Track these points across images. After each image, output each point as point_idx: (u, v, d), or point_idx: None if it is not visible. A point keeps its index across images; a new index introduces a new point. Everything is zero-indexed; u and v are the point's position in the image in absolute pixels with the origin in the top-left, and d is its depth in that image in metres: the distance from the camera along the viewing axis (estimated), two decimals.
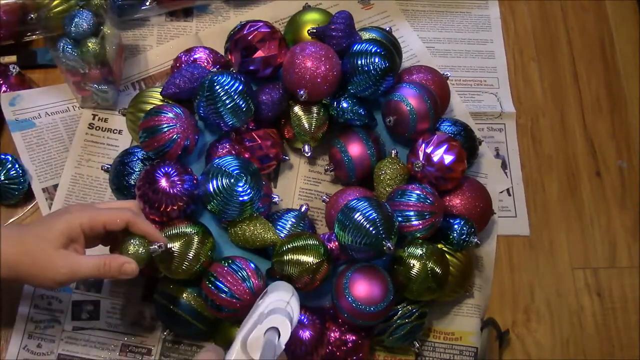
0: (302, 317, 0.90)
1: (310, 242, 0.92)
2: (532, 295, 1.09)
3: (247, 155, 1.01)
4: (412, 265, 0.93)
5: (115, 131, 1.11)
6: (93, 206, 0.86)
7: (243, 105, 0.97)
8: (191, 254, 0.90)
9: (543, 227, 1.13)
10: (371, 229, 0.88)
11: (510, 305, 1.09)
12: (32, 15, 1.08)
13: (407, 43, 1.21)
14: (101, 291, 1.02)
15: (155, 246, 0.86)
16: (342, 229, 0.91)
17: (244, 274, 0.90)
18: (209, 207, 0.93)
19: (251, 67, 1.02)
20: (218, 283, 0.89)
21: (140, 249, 0.85)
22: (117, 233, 0.87)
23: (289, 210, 1.02)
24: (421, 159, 1.00)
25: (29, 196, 1.07)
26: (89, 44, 1.02)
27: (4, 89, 1.10)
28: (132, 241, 0.86)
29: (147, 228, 0.86)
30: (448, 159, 0.98)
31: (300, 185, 1.11)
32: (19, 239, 0.80)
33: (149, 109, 0.98)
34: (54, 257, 0.80)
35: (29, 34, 1.15)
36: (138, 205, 0.91)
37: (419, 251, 0.93)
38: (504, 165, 1.16)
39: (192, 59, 1.06)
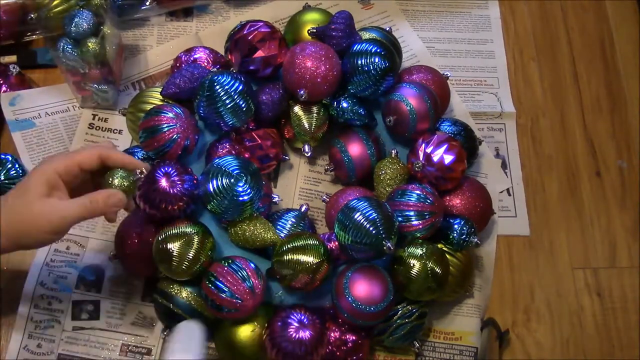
0: (302, 317, 0.90)
1: (310, 242, 0.92)
2: (532, 295, 1.09)
3: (247, 155, 1.01)
4: (412, 265, 0.93)
5: (115, 131, 1.11)
6: (65, 152, 0.85)
7: (243, 105, 0.97)
8: (191, 254, 0.90)
9: (543, 227, 1.13)
10: (371, 229, 0.88)
11: (510, 305, 1.08)
12: (32, 15, 1.08)
13: (407, 43, 1.21)
14: (101, 291, 1.02)
15: (137, 172, 0.87)
16: (342, 229, 0.91)
17: (244, 273, 0.90)
18: (209, 207, 0.93)
19: (251, 67, 1.02)
20: (218, 283, 0.89)
21: (124, 181, 0.87)
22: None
23: (289, 210, 1.02)
24: (421, 158, 1.00)
25: None
26: (89, 44, 1.02)
27: (4, 88, 1.10)
28: (113, 174, 0.87)
29: (123, 158, 0.87)
30: (448, 158, 0.98)
31: (300, 185, 1.11)
32: (3, 202, 0.81)
33: (149, 108, 0.98)
34: (39, 208, 0.80)
35: (29, 34, 1.15)
36: (110, 143, 0.91)
37: (419, 251, 0.93)
38: (504, 165, 1.16)
39: (192, 58, 1.06)
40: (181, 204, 0.92)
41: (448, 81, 1.10)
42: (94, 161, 0.85)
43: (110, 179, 0.87)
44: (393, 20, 1.23)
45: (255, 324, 0.93)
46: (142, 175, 0.88)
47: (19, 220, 0.80)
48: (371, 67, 0.99)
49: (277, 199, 1.01)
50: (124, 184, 0.87)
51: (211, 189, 0.91)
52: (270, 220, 0.97)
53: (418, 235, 0.95)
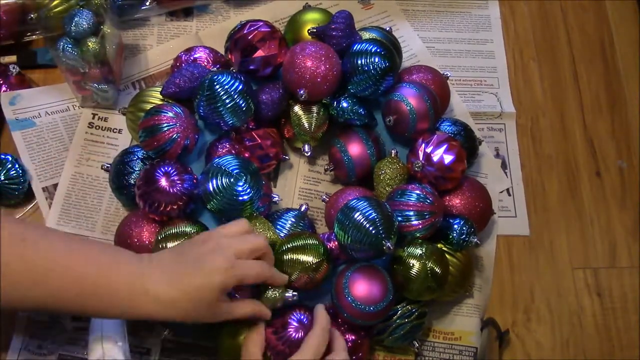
0: (302, 317, 0.90)
1: (310, 241, 0.92)
2: (532, 295, 1.09)
3: (247, 155, 1.01)
4: (411, 265, 0.93)
5: (115, 130, 1.11)
6: (236, 263, 0.84)
7: (243, 105, 0.97)
8: None
9: (543, 227, 1.13)
10: (371, 228, 0.88)
11: (510, 305, 1.08)
12: (32, 15, 1.09)
13: (407, 43, 1.21)
14: None
15: (290, 296, 0.90)
16: (341, 229, 0.91)
17: None
18: (208, 207, 0.93)
19: (251, 67, 1.02)
20: None
21: (276, 295, 0.89)
22: None
23: (288, 210, 1.02)
24: (421, 158, 0.99)
25: (29, 196, 1.07)
26: (89, 44, 1.02)
27: (4, 89, 1.10)
28: (271, 289, 0.90)
29: (280, 279, 0.89)
30: (448, 158, 0.98)
31: (300, 184, 1.11)
32: (184, 289, 0.80)
33: (148, 108, 0.98)
34: (212, 309, 0.83)
35: (29, 34, 1.15)
36: (248, 224, 0.91)
37: (418, 251, 0.93)
38: (503, 165, 1.16)
39: (192, 58, 1.06)
40: (181, 203, 0.93)
41: (448, 81, 1.10)
42: (254, 281, 0.87)
43: (267, 292, 0.89)
44: (393, 20, 1.23)
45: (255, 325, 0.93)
46: (294, 299, 0.90)
47: (193, 314, 0.82)
48: (371, 67, 0.99)
49: (276, 198, 1.01)
50: (274, 296, 0.89)
51: (211, 189, 0.91)
52: (270, 220, 0.97)
53: (418, 235, 0.95)
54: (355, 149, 1.03)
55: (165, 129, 0.94)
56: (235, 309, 0.85)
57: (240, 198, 0.91)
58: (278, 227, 0.98)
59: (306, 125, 1.03)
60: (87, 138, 1.10)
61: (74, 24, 1.01)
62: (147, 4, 1.17)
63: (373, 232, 0.88)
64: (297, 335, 0.88)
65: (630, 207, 1.16)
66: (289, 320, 0.90)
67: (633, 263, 1.12)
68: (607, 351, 1.07)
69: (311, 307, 0.93)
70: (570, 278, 1.11)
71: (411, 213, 0.94)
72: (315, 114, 1.04)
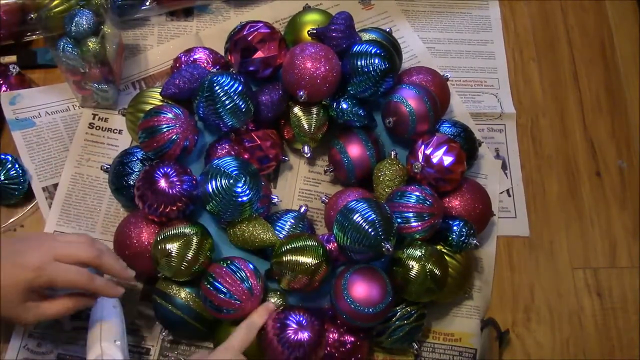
0: (301, 319, 0.90)
1: (309, 243, 0.92)
2: (532, 295, 1.09)
3: (246, 156, 1.01)
4: (411, 266, 0.93)
5: (115, 131, 1.11)
6: (50, 265, 0.82)
7: (242, 106, 0.97)
8: (190, 255, 0.90)
9: (543, 227, 1.13)
10: (370, 230, 0.88)
11: (510, 305, 1.08)
12: (32, 15, 1.09)
13: (407, 43, 1.21)
14: None
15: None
16: (341, 230, 0.91)
17: (243, 274, 0.90)
18: (208, 208, 0.93)
19: (251, 68, 1.02)
20: (217, 284, 0.89)
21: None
22: None
23: (288, 211, 1.02)
24: (420, 160, 0.99)
25: (29, 196, 1.07)
26: (89, 44, 1.02)
27: (4, 89, 1.10)
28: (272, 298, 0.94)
29: (110, 291, 0.88)
30: (447, 160, 0.98)
31: (300, 186, 1.11)
32: None
33: (148, 109, 0.98)
34: (18, 311, 0.81)
35: (29, 34, 1.15)
36: (91, 240, 0.89)
37: (418, 252, 0.93)
38: (504, 166, 1.16)
39: (191, 59, 1.07)
40: (180, 204, 0.93)
41: (448, 82, 1.10)
42: (68, 287, 0.85)
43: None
44: (393, 21, 1.23)
45: None
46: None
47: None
48: (371, 69, 0.99)
49: (276, 199, 1.01)
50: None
51: (210, 190, 0.91)
52: (269, 221, 0.97)
53: (417, 236, 0.95)
54: (354, 150, 1.03)
55: (165, 130, 0.94)
56: (45, 310, 0.83)
57: (240, 199, 0.91)
58: (277, 228, 0.98)
59: (306, 126, 1.03)
60: (87, 138, 1.10)
61: (74, 24, 1.01)
62: (147, 4, 1.17)
63: (372, 233, 0.88)
64: (295, 337, 0.88)
65: (630, 207, 1.16)
66: (288, 322, 0.90)
67: (633, 263, 1.12)
68: (607, 351, 1.07)
69: (310, 308, 0.93)
70: (570, 278, 1.11)
71: (410, 215, 0.94)
72: (314, 115, 1.04)
